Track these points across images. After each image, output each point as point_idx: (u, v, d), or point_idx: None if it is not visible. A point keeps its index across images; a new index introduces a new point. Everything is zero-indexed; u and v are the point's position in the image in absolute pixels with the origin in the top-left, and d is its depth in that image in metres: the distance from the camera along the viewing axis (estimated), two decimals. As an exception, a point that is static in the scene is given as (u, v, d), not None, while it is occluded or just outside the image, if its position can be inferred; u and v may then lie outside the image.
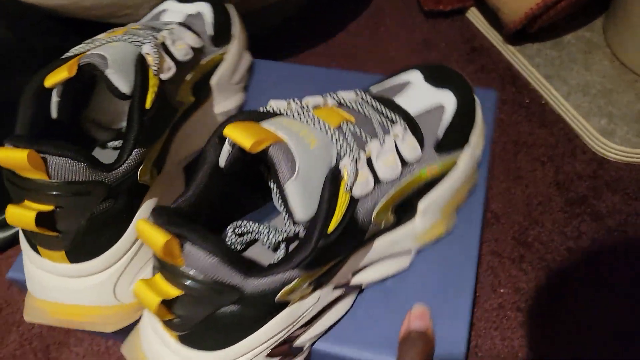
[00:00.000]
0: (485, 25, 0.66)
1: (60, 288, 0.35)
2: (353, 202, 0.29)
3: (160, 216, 0.26)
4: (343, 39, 0.69)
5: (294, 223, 0.32)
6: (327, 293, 0.33)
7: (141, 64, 0.35)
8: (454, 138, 0.36)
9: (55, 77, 0.33)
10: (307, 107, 0.31)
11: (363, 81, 0.46)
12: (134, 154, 0.34)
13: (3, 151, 0.29)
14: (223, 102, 0.45)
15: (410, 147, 0.32)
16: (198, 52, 0.41)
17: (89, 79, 0.35)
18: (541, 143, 0.57)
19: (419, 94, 0.37)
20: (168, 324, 0.28)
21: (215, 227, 0.33)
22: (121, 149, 0.34)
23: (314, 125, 0.30)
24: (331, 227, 0.28)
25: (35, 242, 0.33)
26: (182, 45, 0.39)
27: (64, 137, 0.37)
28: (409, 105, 0.36)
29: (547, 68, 0.60)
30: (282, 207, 0.31)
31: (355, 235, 0.31)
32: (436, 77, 0.37)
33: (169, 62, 0.37)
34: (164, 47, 0.38)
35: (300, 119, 0.30)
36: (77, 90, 0.36)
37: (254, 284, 0.28)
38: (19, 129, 0.33)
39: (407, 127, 0.33)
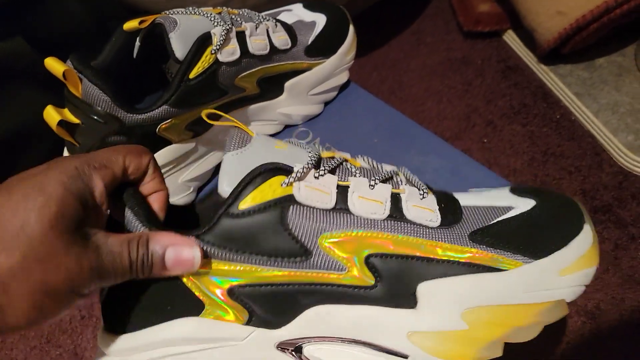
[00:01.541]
0: (520, 47, 0.70)
1: None
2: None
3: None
4: (385, 51, 0.73)
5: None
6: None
7: (203, 39, 0.38)
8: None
9: (131, 24, 0.39)
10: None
11: (441, 149, 0.45)
12: (160, 109, 0.38)
13: (50, 60, 0.36)
14: (292, 106, 0.47)
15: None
16: (279, 52, 0.43)
17: (159, 35, 0.39)
18: (569, 154, 0.60)
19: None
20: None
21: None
22: (153, 102, 0.39)
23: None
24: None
25: (67, 145, 0.40)
26: (261, 40, 0.42)
27: (143, 76, 0.42)
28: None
29: (578, 87, 0.63)
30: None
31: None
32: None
33: (235, 49, 0.40)
34: (239, 35, 0.41)
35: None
36: (157, 42, 0.40)
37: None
38: (101, 56, 0.39)
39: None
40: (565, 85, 0.64)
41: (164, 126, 0.39)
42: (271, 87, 0.45)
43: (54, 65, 0.35)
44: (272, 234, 0.27)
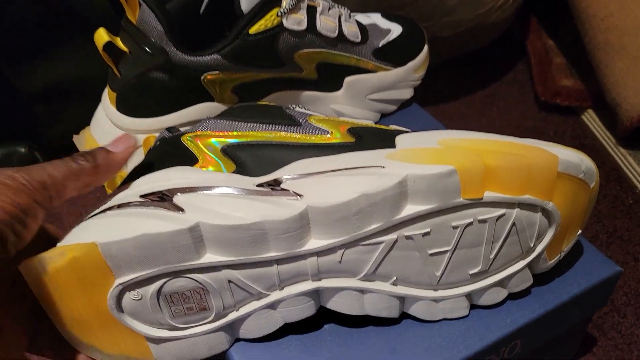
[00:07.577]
0: (599, 127, 0.66)
1: (101, 124, 0.40)
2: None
3: None
4: (455, 105, 0.71)
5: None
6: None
7: None
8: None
9: None
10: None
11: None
12: (210, 56, 0.37)
13: None
14: (348, 106, 0.45)
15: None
16: (346, 42, 0.42)
17: None
18: (637, 241, 0.53)
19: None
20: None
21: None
22: (208, 47, 0.37)
23: None
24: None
25: (109, 75, 0.39)
26: (331, 22, 0.40)
27: (207, 32, 0.41)
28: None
29: (658, 175, 0.58)
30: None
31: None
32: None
33: (302, 19, 0.39)
34: (310, 9, 0.39)
35: None
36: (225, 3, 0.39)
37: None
38: (169, 4, 0.38)
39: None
40: (644, 172, 0.59)
41: (209, 77, 0.37)
42: (330, 77, 0.43)
43: None
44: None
